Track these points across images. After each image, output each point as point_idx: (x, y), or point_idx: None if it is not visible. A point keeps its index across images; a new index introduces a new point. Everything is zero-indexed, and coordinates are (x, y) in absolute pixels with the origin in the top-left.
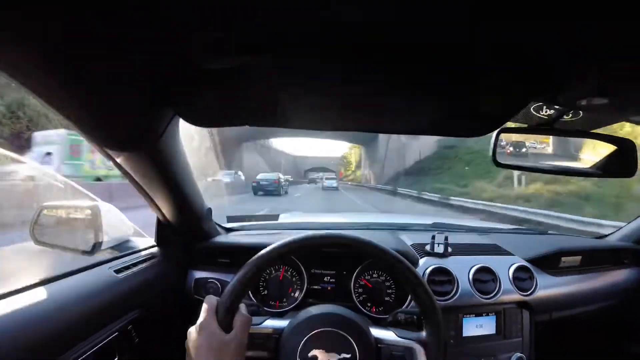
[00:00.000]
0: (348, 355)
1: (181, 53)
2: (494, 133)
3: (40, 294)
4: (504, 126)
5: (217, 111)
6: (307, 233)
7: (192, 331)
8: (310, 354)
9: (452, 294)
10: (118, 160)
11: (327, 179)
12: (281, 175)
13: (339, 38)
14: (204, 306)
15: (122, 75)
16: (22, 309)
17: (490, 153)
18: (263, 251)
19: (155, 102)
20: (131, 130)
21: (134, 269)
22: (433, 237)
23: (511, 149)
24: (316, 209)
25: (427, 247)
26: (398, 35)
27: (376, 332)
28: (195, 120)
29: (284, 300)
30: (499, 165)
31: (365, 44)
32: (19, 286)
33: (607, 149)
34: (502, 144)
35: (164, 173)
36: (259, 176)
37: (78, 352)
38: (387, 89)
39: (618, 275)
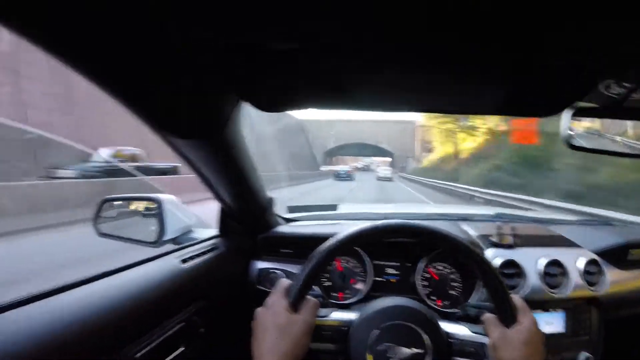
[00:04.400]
0: (420, 350)
1: (244, 36)
2: (566, 114)
3: (108, 284)
4: (574, 105)
5: (281, 95)
6: (378, 222)
7: (260, 310)
8: (380, 347)
9: (521, 288)
10: (182, 149)
11: (381, 168)
12: (350, 167)
13: (402, 15)
14: (275, 287)
15: (185, 61)
16: (90, 299)
17: (562, 135)
18: (333, 239)
19: (219, 88)
20: (196, 118)
21: (199, 259)
22: (499, 228)
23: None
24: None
25: (493, 238)
26: (464, 13)
27: (447, 326)
28: (260, 104)
29: (347, 292)
30: (572, 147)
31: (429, 23)
32: (87, 276)
33: None
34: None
35: (228, 162)
36: (337, 168)
37: (145, 342)
38: (453, 68)
39: None
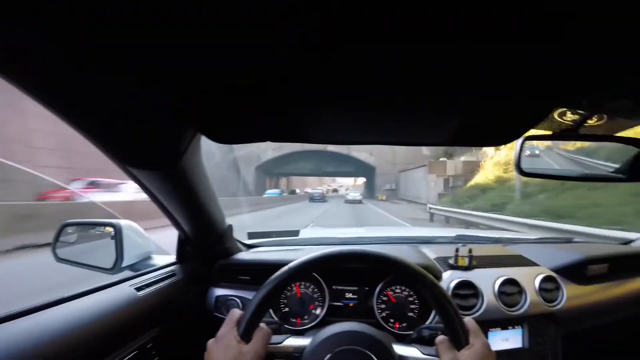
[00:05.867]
0: None
1: (202, 72)
2: (519, 141)
3: (59, 312)
4: (527, 134)
5: (239, 128)
6: (327, 250)
7: (211, 342)
8: None
9: (477, 308)
10: (140, 178)
11: (351, 191)
12: (325, 189)
13: (361, 53)
14: (227, 318)
15: (143, 94)
16: (41, 327)
17: (514, 162)
18: (284, 268)
19: (177, 120)
20: (153, 149)
21: (155, 287)
22: (457, 250)
23: (527, 152)
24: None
25: (451, 260)
26: (412, 49)
27: (399, 349)
28: (217, 137)
29: (305, 317)
30: (523, 174)
31: (382, 62)
32: (38, 304)
33: (633, 152)
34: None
35: (186, 191)
36: (311, 190)
37: None
38: (410, 101)
39: None
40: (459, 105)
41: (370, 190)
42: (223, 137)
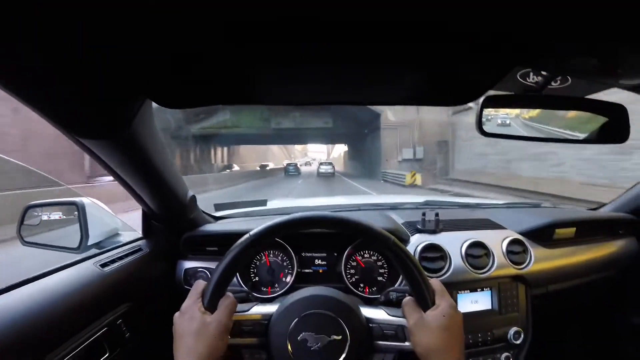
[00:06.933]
0: (338, 337)
1: (150, 36)
2: (479, 101)
3: (22, 293)
4: (488, 94)
5: (188, 92)
6: (289, 215)
7: (176, 315)
8: (300, 337)
9: (444, 271)
10: (92, 149)
11: (322, 164)
12: (298, 163)
13: (311, 12)
14: (191, 290)
15: (88, 59)
16: (5, 308)
17: (476, 122)
18: (245, 236)
19: (124, 85)
20: (100, 117)
21: (121, 262)
22: (424, 214)
23: (499, 121)
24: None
25: (418, 225)
26: (373, 9)
27: (367, 311)
28: (166, 101)
29: (276, 285)
30: (485, 134)
31: (339, 18)
32: (1, 286)
33: (598, 115)
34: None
35: (141, 161)
36: (286, 163)
37: (67, 349)
38: (363, 60)
39: (613, 246)
40: (417, 59)
41: (364, 164)
42: (172, 101)
